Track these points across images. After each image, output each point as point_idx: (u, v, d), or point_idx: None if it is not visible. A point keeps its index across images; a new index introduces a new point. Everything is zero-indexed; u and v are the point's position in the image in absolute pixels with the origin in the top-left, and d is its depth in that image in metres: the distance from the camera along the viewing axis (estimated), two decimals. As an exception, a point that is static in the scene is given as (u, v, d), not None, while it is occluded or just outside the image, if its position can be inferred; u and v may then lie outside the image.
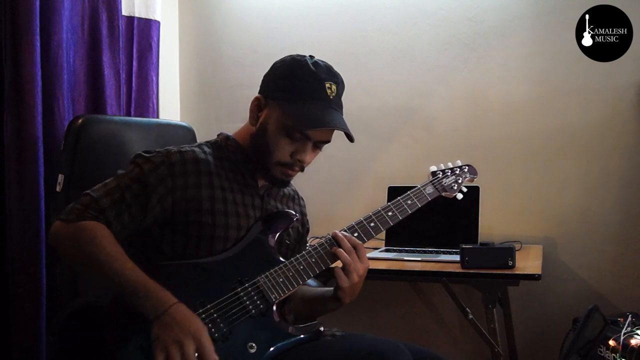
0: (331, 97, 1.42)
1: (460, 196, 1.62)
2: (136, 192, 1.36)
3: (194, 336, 1.22)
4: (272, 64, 1.51)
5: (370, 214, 1.50)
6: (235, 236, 1.42)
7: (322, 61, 1.47)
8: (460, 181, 1.63)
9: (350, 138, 1.44)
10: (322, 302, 1.49)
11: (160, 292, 1.26)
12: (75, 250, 1.32)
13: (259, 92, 1.48)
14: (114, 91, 2.35)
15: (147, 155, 1.41)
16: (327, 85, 1.42)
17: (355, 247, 1.42)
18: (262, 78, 1.51)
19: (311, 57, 1.47)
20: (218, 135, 1.55)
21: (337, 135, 1.48)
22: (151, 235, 1.40)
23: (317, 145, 1.47)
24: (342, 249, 1.41)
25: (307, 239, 1.68)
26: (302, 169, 1.47)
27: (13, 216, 1.99)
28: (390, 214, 1.50)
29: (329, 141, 1.47)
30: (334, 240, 1.43)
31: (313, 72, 1.41)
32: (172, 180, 1.37)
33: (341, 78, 1.48)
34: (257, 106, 1.46)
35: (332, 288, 1.46)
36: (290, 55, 1.48)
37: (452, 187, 1.60)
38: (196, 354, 1.22)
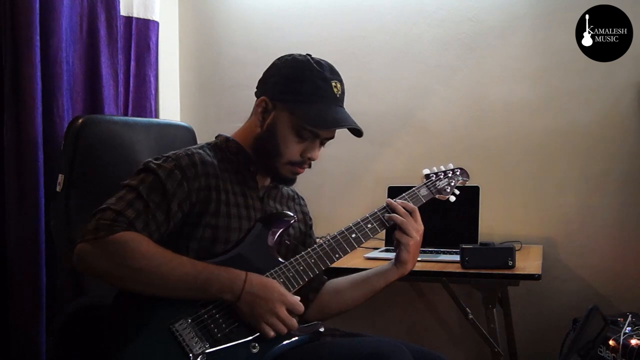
0: (337, 96, 1.46)
1: (453, 199, 1.64)
2: (157, 200, 1.34)
3: (279, 299, 1.31)
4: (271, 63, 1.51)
5: (367, 215, 1.50)
6: (236, 238, 1.42)
7: (322, 59, 1.49)
8: (453, 184, 1.64)
9: (360, 133, 1.47)
10: (382, 275, 1.55)
11: (225, 272, 1.31)
12: (116, 265, 1.26)
13: (262, 94, 1.48)
14: (112, 92, 2.34)
15: (158, 161, 1.39)
16: (334, 84, 1.45)
17: (410, 212, 1.48)
18: (261, 77, 1.52)
19: (309, 55, 1.49)
20: (216, 137, 1.55)
21: (337, 135, 1.50)
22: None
23: (322, 142, 1.50)
24: (397, 214, 1.47)
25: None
26: (309, 166, 1.50)
27: (12, 216, 1.98)
28: (387, 215, 1.51)
29: (333, 137, 1.50)
30: (389, 208, 1.49)
31: (319, 72, 1.44)
32: (186, 184, 1.37)
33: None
34: (264, 108, 1.46)
35: (385, 263, 1.53)
36: (292, 55, 1.48)
37: (445, 190, 1.62)
38: None
